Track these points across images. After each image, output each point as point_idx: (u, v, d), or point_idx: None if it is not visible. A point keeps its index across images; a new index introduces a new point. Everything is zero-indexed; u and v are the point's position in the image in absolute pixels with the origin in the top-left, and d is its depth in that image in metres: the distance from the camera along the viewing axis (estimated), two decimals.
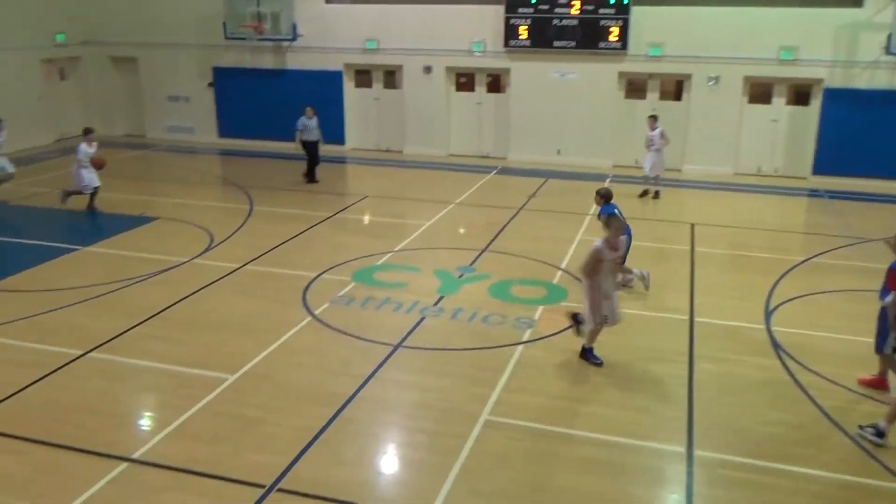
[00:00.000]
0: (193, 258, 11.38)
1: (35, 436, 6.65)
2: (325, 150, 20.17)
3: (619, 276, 9.37)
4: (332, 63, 19.99)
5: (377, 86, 20.41)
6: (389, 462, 6.49)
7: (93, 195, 14.11)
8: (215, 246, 12.00)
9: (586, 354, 8.17)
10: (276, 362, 8.11)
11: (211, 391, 7.44)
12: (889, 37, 15.96)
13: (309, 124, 16.49)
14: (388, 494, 6.02)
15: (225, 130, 21.43)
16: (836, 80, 17.06)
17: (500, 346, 8.56)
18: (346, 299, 9.87)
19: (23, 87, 20.05)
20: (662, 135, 15.20)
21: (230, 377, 7.72)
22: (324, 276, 10.71)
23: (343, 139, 20.52)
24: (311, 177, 16.76)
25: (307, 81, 20.17)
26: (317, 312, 9.41)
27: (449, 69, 19.50)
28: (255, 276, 10.72)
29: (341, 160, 19.63)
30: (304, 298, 9.86)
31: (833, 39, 16.84)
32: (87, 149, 13.84)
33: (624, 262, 9.50)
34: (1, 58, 19.28)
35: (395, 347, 8.49)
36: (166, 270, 10.84)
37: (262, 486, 5.96)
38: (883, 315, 7.25)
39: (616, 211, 9.30)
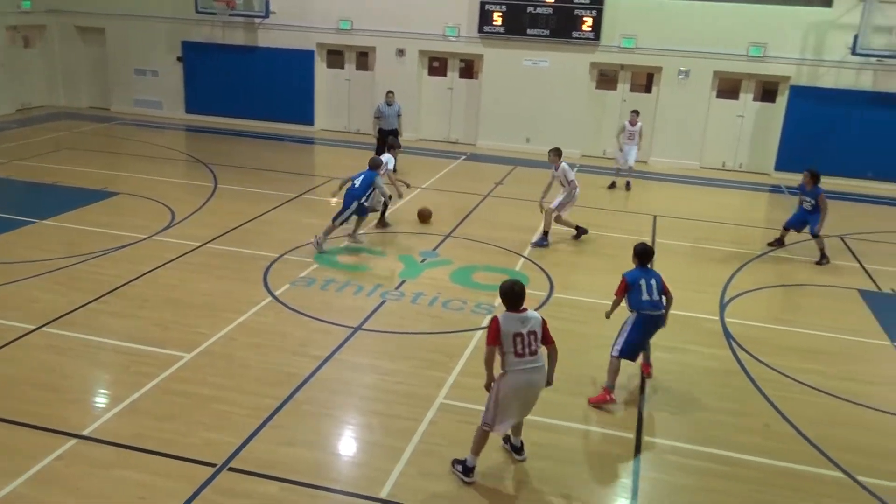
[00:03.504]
0: (153, 235, 11.24)
1: None
2: (293, 130, 20.13)
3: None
4: (304, 42, 19.79)
5: (349, 67, 20.27)
6: (343, 443, 6.52)
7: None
8: (176, 223, 11.87)
9: None
10: (234, 342, 8.07)
11: (165, 369, 7.39)
12: (855, 38, 16.23)
13: (387, 111, 15.74)
14: (340, 475, 6.04)
15: (193, 106, 21.13)
16: (803, 78, 17.33)
17: (459, 331, 8.61)
18: (307, 281, 9.84)
19: None
20: (641, 130, 15.48)
21: (186, 355, 7.67)
22: (286, 256, 10.66)
23: (312, 120, 20.38)
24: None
25: (278, 60, 19.98)
26: (277, 293, 9.37)
27: (422, 53, 19.42)
28: (216, 255, 10.63)
29: (310, 141, 19.50)
30: (264, 279, 9.81)
31: (801, 38, 17.09)
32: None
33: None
34: None
35: (355, 330, 8.50)
36: (125, 246, 10.70)
37: (213, 465, 5.96)
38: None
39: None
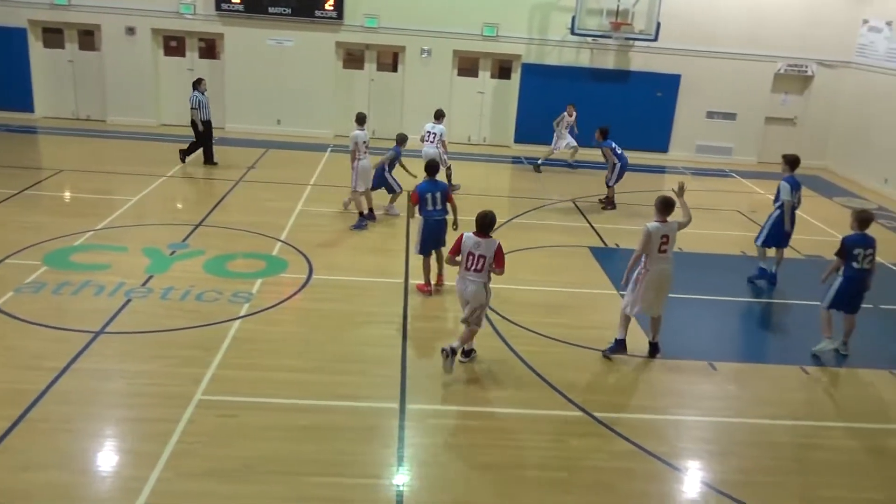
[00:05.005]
0: None
1: None
2: (9, 118, 17.88)
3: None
4: (12, 19, 17.51)
5: (71, 47, 18.32)
6: (89, 458, 5.96)
7: None
8: None
9: None
10: None
11: None
12: (573, 19, 17.82)
13: (204, 100, 14.72)
14: (88, 493, 5.53)
15: None
16: (532, 56, 18.72)
17: (216, 323, 8.23)
18: (35, 286, 8.81)
19: None
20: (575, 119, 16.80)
21: None
22: (7, 261, 9.45)
23: (31, 106, 18.18)
24: (185, 155, 15.04)
25: None
26: None
27: (155, 31, 18.10)
28: None
29: (31, 130, 17.40)
30: None
31: (528, 19, 18.43)
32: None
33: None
34: None
35: (96, 334, 7.78)
36: None
37: None
38: None
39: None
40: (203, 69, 18.47)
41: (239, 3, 17.63)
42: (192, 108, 14.79)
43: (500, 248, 7.29)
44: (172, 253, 10.24)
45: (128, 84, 18.16)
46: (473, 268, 7.30)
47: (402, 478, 5.94)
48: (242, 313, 8.54)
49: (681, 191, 8.20)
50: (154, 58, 18.23)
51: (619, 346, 8.14)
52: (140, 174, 14.02)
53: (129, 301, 8.63)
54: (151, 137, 17.34)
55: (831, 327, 8.51)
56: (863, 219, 8.36)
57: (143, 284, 9.12)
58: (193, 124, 14.85)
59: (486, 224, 7.28)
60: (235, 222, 11.64)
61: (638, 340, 8.47)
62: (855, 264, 8.26)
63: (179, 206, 12.78)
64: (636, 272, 7.90)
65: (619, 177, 14.01)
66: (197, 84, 14.91)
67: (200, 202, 12.68)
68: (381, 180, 12.22)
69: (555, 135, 17.02)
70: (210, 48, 18.71)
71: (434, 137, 13.62)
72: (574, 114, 17.03)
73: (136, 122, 18.17)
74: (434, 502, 5.72)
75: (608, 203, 14.16)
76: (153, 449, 5.98)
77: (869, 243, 8.31)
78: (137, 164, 14.77)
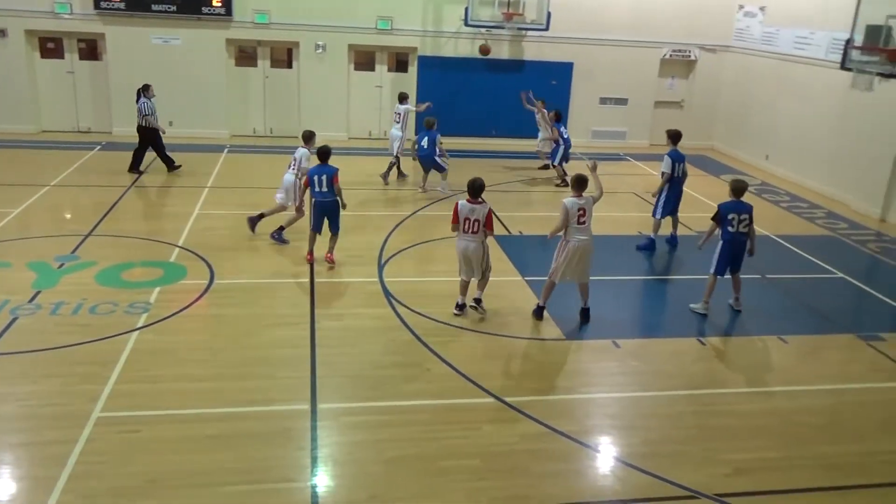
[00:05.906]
0: None
1: None
2: None
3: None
4: None
5: None
6: None
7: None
8: None
9: None
10: None
11: None
12: (466, 10, 17.96)
13: (153, 106, 14.27)
14: None
15: None
16: (428, 48, 18.75)
17: (112, 336, 7.88)
18: None
19: None
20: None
21: None
22: None
23: None
24: (169, 163, 14.84)
25: None
26: None
27: (29, 33, 17.07)
28: None
29: None
30: None
31: (422, 11, 18.44)
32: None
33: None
34: None
35: None
36: None
37: None
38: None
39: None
40: (84, 71, 17.64)
41: (119, 2, 16.85)
42: (144, 115, 14.28)
43: (490, 212, 8.50)
44: (61, 266, 9.72)
45: (2, 89, 17.07)
46: (471, 230, 8.46)
47: (317, 478, 5.87)
48: (140, 324, 8.21)
49: (593, 168, 9.17)
50: (29, 61, 17.21)
51: (538, 311, 8.92)
52: (21, 184, 13.21)
53: (15, 319, 8.14)
54: (32, 145, 16.37)
55: (711, 293, 9.32)
56: (736, 188, 9.29)
57: (31, 301, 8.62)
58: (152, 130, 14.39)
59: (475, 189, 8.44)
60: (129, 230, 11.17)
61: (547, 323, 8.69)
62: (730, 228, 9.09)
63: (67, 216, 12.13)
64: (558, 243, 8.73)
65: (565, 155, 15.29)
66: (145, 90, 14.35)
67: (90, 211, 12.06)
68: (430, 161, 13.82)
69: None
70: (91, 49, 17.81)
71: (399, 118, 14.77)
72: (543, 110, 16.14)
73: (13, 129, 17.10)
74: (351, 500, 5.67)
75: (562, 181, 15.09)
76: (50, 472, 5.68)
77: (743, 209, 9.13)
78: (18, 174, 13.92)
